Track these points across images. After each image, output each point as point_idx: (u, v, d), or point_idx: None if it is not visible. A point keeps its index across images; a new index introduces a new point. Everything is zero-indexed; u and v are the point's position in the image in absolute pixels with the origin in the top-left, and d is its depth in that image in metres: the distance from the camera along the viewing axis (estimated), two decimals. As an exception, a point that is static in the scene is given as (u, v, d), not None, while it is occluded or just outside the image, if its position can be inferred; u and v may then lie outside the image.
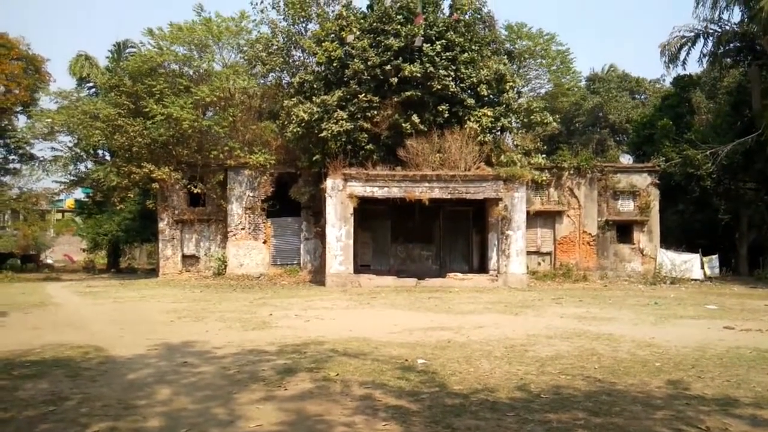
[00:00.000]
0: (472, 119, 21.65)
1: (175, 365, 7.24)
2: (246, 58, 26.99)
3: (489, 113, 21.90)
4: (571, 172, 24.97)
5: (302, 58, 25.80)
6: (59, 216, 59.66)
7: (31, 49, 32.99)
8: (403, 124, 21.49)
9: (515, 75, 25.21)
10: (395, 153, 21.94)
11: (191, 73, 27.24)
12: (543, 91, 36.22)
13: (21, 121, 33.63)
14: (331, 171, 21.60)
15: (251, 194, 25.76)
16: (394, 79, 21.30)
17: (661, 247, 25.19)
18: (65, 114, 26.97)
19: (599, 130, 38.96)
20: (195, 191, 25.51)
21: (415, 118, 21.35)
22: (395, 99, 21.62)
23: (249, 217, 25.86)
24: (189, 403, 5.56)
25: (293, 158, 24.69)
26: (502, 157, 22.41)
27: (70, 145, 32.35)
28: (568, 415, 5.29)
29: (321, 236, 23.97)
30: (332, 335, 9.61)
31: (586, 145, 34.76)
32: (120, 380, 6.47)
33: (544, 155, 25.01)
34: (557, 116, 25.79)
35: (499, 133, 23.66)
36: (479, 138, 21.58)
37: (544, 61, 34.33)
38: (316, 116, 21.83)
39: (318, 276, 23.38)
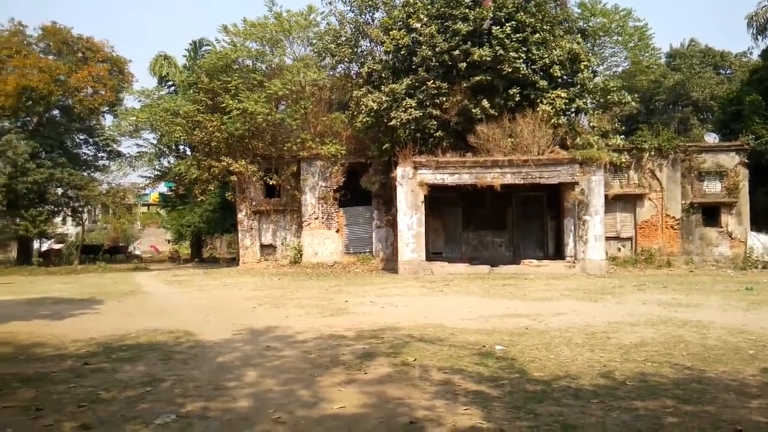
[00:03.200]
0: (544, 102, 21.09)
1: (260, 349, 7.54)
2: (315, 50, 27.40)
3: (563, 95, 21.27)
4: (652, 153, 23.89)
5: (370, 47, 25.92)
6: (145, 209, 63.01)
7: (115, 51, 34.90)
8: (473, 110, 21.22)
9: (590, 54, 24.29)
10: (465, 139, 21.73)
11: (264, 67, 27.97)
12: (620, 69, 34.72)
13: (108, 120, 35.70)
14: (400, 159, 21.65)
15: (323, 184, 26.25)
16: (463, 65, 21.03)
17: (751, 230, 23.73)
18: (148, 112, 28.33)
19: (681, 108, 36.95)
20: (270, 183, 26.29)
21: (485, 102, 21.02)
22: (464, 84, 21.36)
23: (322, 206, 26.37)
24: (274, 385, 5.78)
25: (363, 148, 24.95)
26: (578, 139, 21.73)
27: (154, 141, 33.99)
28: (656, 402, 5.12)
29: (392, 224, 24.15)
30: (407, 321, 9.70)
31: (668, 124, 33.04)
32: (209, 363, 6.81)
33: (622, 136, 24.02)
34: (636, 95, 24.66)
35: (573, 114, 22.94)
36: (553, 121, 21.01)
37: (620, 38, 32.89)
38: (385, 105, 21.92)
39: (390, 264, 23.58)
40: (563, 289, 15.05)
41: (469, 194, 23.20)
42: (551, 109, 20.92)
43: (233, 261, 31.16)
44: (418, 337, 8.21)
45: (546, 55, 21.38)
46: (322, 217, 26.32)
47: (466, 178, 21.31)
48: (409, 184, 21.49)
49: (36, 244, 37.99)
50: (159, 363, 6.80)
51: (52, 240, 41.93)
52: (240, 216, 27.30)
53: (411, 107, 21.45)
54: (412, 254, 21.38)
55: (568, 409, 4.94)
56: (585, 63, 22.25)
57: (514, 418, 4.72)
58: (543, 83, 21.33)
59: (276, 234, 27.52)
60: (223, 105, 24.79)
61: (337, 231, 26.24)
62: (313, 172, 26.20)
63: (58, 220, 37.91)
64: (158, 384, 5.83)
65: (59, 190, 33.46)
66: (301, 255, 26.03)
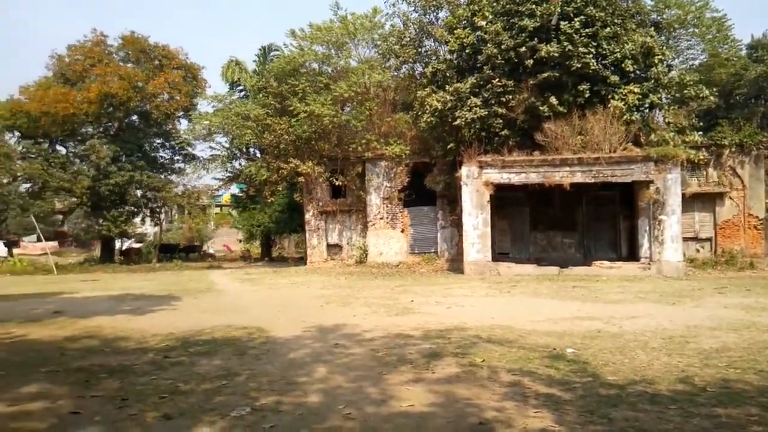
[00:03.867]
0: (616, 97, 20.38)
1: (329, 346, 7.68)
2: (380, 52, 27.61)
3: (636, 90, 20.48)
4: (733, 149, 22.68)
5: (434, 47, 25.86)
6: (217, 210, 65.42)
7: (189, 58, 36.39)
8: (540, 107, 20.78)
9: (664, 47, 23.25)
10: (532, 138, 21.29)
11: (330, 70, 28.42)
12: (697, 62, 32.97)
13: (183, 125, 37.26)
14: (465, 159, 21.48)
15: (388, 184, 26.40)
16: (530, 61, 20.63)
17: None
18: (220, 116, 29.38)
19: (764, 102, 34.76)
20: (337, 183, 26.72)
21: (553, 100, 20.54)
22: (531, 82, 20.95)
23: (387, 206, 26.53)
24: (344, 382, 5.88)
25: (427, 148, 24.92)
26: (652, 136, 20.87)
27: (226, 144, 35.21)
28: (739, 410, 4.87)
29: (457, 224, 23.99)
30: (474, 322, 9.63)
31: (750, 119, 31.13)
32: (281, 359, 7.01)
33: (700, 132, 22.86)
34: (714, 89, 23.38)
35: (647, 110, 22.03)
36: (625, 117, 20.27)
37: (697, 31, 31.22)
38: (450, 104, 21.81)
39: (455, 264, 23.44)
40: (638, 291, 14.50)
41: (537, 193, 22.75)
42: (623, 105, 20.19)
43: (301, 260, 31.83)
44: (485, 338, 8.13)
45: (617, 50, 20.66)
46: (387, 217, 26.47)
47: (533, 177, 20.89)
48: (474, 184, 21.28)
49: (117, 244, 40.09)
50: (233, 358, 7.05)
51: (132, 239, 44.24)
52: (307, 216, 27.87)
53: (476, 106, 21.25)
54: (477, 254, 21.16)
55: (644, 415, 4.77)
56: (659, 57, 21.33)
57: (587, 422, 4.61)
58: (614, 78, 20.61)
59: (342, 234, 27.91)
60: (291, 108, 25.40)
61: (402, 231, 26.33)
62: (378, 172, 26.39)
63: (137, 220, 39.93)
64: (233, 378, 6.05)
65: (138, 192, 35.23)
66: (367, 255, 26.28)
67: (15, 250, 45.62)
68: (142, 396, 5.38)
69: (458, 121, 21.50)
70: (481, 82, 21.54)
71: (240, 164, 36.27)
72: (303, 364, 6.68)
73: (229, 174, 37.16)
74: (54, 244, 47.24)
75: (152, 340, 8.31)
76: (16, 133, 33.65)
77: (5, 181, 32.77)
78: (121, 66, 34.14)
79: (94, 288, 18.40)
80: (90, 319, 10.54)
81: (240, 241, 51.49)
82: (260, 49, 37.81)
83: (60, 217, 44.78)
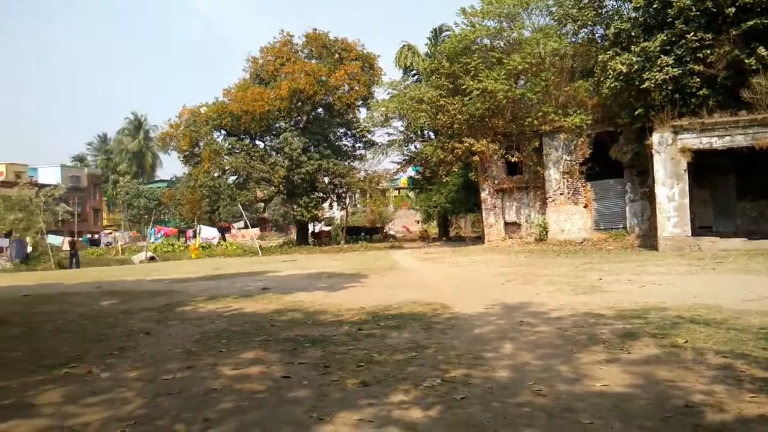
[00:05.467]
0: None
1: (514, 324, 7.62)
2: (555, 18, 26.31)
3: None
4: None
5: (616, 6, 23.98)
6: (396, 192, 67.88)
7: (365, 49, 37.98)
8: (746, 60, 18.29)
9: None
10: (736, 96, 18.86)
11: (502, 44, 27.81)
12: None
13: (362, 113, 39.14)
14: (656, 124, 19.70)
15: (568, 158, 25.24)
16: (731, 9, 18.21)
17: None
18: (396, 102, 30.34)
19: None
20: (512, 160, 26.21)
21: (762, 50, 17.94)
22: (733, 32, 18.50)
23: (567, 181, 25.41)
24: (532, 359, 5.80)
25: (611, 116, 23.30)
26: None
27: (401, 128, 36.31)
28: None
29: (649, 197, 22.19)
30: (674, 301, 8.86)
31: None
32: (467, 334, 7.12)
33: None
34: None
35: None
36: None
37: None
38: (636, 66, 20.12)
39: (647, 240, 21.74)
40: None
41: (743, 159, 20.13)
42: None
43: (478, 239, 31.85)
44: (688, 318, 7.45)
45: None
46: (568, 193, 25.35)
47: (739, 140, 18.54)
48: (668, 152, 19.46)
49: (310, 227, 43.59)
50: (421, 332, 7.32)
51: (322, 223, 47.80)
52: (483, 195, 27.75)
53: (667, 65, 19.34)
54: (673, 229, 19.40)
55: None
56: None
57: (821, 413, 4.03)
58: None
59: (520, 211, 27.36)
60: (464, 87, 25.35)
61: (585, 206, 25.04)
62: (557, 146, 25.34)
63: (326, 205, 43.03)
64: (422, 350, 6.28)
65: (326, 179, 37.90)
66: (547, 232, 25.48)
67: (227, 236, 51.79)
68: (341, 364, 5.83)
69: (647, 84, 19.77)
70: (673, 39, 19.53)
71: (415, 147, 37.20)
72: (489, 340, 6.71)
73: (405, 157, 38.32)
74: (257, 230, 52.70)
75: (347, 314, 8.93)
76: (223, 132, 38.02)
77: (216, 174, 37.28)
78: (306, 62, 36.79)
79: (292, 267, 20.26)
80: (292, 295, 11.63)
81: (418, 221, 52.97)
82: (431, 31, 38.25)
83: (261, 204, 49.84)
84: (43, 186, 48.43)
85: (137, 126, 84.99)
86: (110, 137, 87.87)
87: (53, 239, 38.06)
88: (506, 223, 27.63)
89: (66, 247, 36.23)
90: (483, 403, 4.43)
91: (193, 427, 4.12)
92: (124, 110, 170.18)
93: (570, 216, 25.28)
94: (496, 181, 27.58)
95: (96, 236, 58.71)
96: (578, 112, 24.17)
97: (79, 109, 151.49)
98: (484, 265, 17.40)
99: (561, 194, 25.46)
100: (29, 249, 34.59)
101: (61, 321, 9.32)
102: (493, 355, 6.03)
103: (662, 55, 19.63)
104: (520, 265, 16.79)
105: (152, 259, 33.75)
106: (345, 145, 40.41)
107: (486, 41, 27.91)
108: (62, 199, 45.06)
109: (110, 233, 61.28)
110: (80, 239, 42.15)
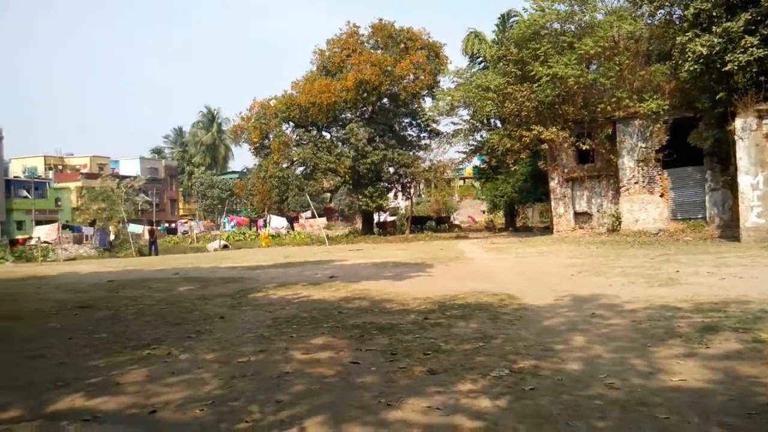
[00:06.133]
0: None
1: (585, 316, 7.44)
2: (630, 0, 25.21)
3: None
4: None
5: (697, -16, 22.66)
6: (461, 182, 67.34)
7: (431, 37, 37.72)
8: (843, 38, 16.92)
9: None
10: (834, 75, 17.50)
11: (573, 28, 26.93)
12: None
13: (427, 103, 38.98)
14: (739, 109, 18.59)
15: (643, 145, 24.24)
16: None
17: None
18: (462, 90, 29.99)
19: None
20: (583, 148, 25.43)
21: None
22: (828, 8, 17.17)
23: (642, 169, 24.45)
24: (604, 352, 5.65)
25: (690, 100, 22.16)
26: None
27: (467, 117, 35.88)
28: None
29: (730, 185, 21.01)
30: (758, 295, 8.39)
31: None
32: (535, 325, 7.01)
33: None
34: None
35: None
36: None
37: None
38: (718, 48, 19.02)
39: (728, 231, 20.63)
40: None
41: (840, 144, 18.70)
42: None
43: (546, 230, 31.16)
44: (774, 313, 7.04)
45: None
46: (643, 181, 24.38)
47: (833, 123, 17.22)
48: (752, 138, 18.35)
49: (375, 217, 43.95)
50: (488, 322, 7.26)
51: (387, 213, 48.08)
52: (552, 184, 27.09)
53: (752, 46, 18.19)
54: (757, 219, 18.33)
55: None
56: None
57: None
58: None
59: (591, 201, 26.55)
60: (532, 73, 24.74)
61: (661, 195, 24.00)
62: (631, 132, 24.38)
63: (391, 195, 43.25)
64: (490, 341, 6.24)
65: (391, 169, 38.07)
66: (620, 222, 24.63)
67: (295, 225, 53.01)
68: (408, 352, 5.88)
69: (729, 66, 18.66)
70: (758, 18, 18.35)
71: (481, 136, 36.73)
72: (558, 332, 6.59)
73: (471, 146, 37.89)
74: (324, 219, 53.65)
75: (413, 303, 8.98)
76: (291, 124, 38.83)
77: (285, 165, 38.16)
78: (372, 53, 36.95)
79: (358, 256, 20.51)
80: (359, 283, 11.80)
81: (483, 212, 52.39)
82: (499, 18, 37.57)
83: (328, 195, 50.67)
84: (124, 177, 51.11)
85: (211, 119, 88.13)
86: (185, 130, 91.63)
87: (134, 228, 40.13)
88: (576, 213, 26.87)
89: (146, 235, 38.15)
90: (553, 394, 4.36)
91: (266, 408, 4.27)
92: (199, 104, 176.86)
93: (645, 205, 24.29)
94: (566, 170, 26.83)
95: (173, 225, 61.57)
96: (654, 97, 23.11)
97: (157, 103, 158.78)
98: (553, 255, 17.02)
99: (635, 183, 24.49)
100: (112, 237, 36.63)
101: (142, 305, 9.85)
102: (564, 347, 5.91)
103: (746, 36, 18.45)
104: (592, 256, 16.32)
105: (225, 247, 35.06)
106: (410, 135, 40.39)
107: (556, 25, 27.08)
108: (141, 189, 47.41)
109: (186, 222, 64.09)
110: (158, 228, 44.28)
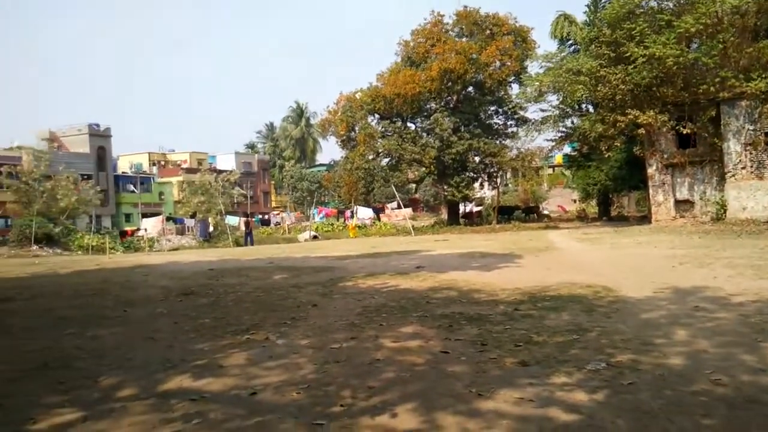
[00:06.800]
0: None
1: (688, 309, 7.05)
2: (737, -30, 23.37)
3: None
4: None
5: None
6: (550, 171, 65.38)
7: (518, 22, 36.78)
8: None
9: None
10: None
11: (671, 5, 25.44)
12: None
13: (514, 89, 38.08)
14: None
15: (751, 127, 22.55)
16: None
17: None
18: (551, 75, 29.06)
19: None
20: (684, 132, 24.01)
21: None
22: None
23: (750, 153, 22.76)
24: (709, 347, 5.35)
25: (808, 77, 20.30)
26: None
27: (556, 103, 34.77)
28: None
29: None
30: None
31: None
32: (633, 318, 6.73)
33: None
34: None
35: None
36: None
37: None
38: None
39: None
40: None
41: None
42: None
43: (643, 219, 29.70)
44: None
45: None
46: (751, 166, 22.67)
47: None
48: None
49: (461, 207, 43.63)
50: (582, 314, 7.05)
51: (473, 203, 47.55)
52: (650, 171, 25.76)
53: None
54: None
55: None
56: None
57: None
58: None
59: (693, 188, 25.02)
60: (627, 54, 23.58)
61: (773, 181, 22.21)
62: (737, 114, 22.71)
63: (476, 185, 42.71)
64: (584, 333, 6.06)
65: (477, 159, 37.60)
66: (725, 211, 23.06)
67: (381, 216, 53.64)
68: (498, 343, 5.82)
69: None
70: None
71: (572, 122, 35.49)
72: (659, 326, 6.29)
73: (560, 133, 36.69)
74: (409, 210, 53.91)
75: (502, 294, 8.86)
76: (376, 116, 39.22)
77: (370, 157, 38.63)
78: (457, 41, 36.56)
79: (444, 247, 20.46)
80: (446, 274, 11.78)
81: (575, 201, 50.70)
82: (590, -1, 35.98)
83: (413, 185, 50.81)
84: (221, 172, 53.69)
85: (299, 114, 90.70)
86: (276, 125, 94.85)
87: (230, 219, 42.14)
88: (677, 201, 25.39)
89: (242, 226, 39.94)
90: (654, 389, 4.18)
91: (358, 394, 4.38)
92: (289, 99, 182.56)
93: (753, 192, 22.55)
94: (665, 156, 25.38)
95: (266, 217, 64.06)
96: (764, 75, 21.35)
97: (250, 100, 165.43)
98: (652, 246, 16.20)
99: (743, 168, 22.79)
100: (211, 228, 38.66)
101: (240, 292, 10.34)
102: (664, 341, 5.64)
103: None
104: (694, 246, 15.39)
105: (315, 237, 36.08)
106: (496, 123, 39.66)
107: (653, 3, 25.63)
108: (237, 183, 49.58)
109: (278, 214, 66.51)
110: (253, 219, 46.21)
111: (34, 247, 32.22)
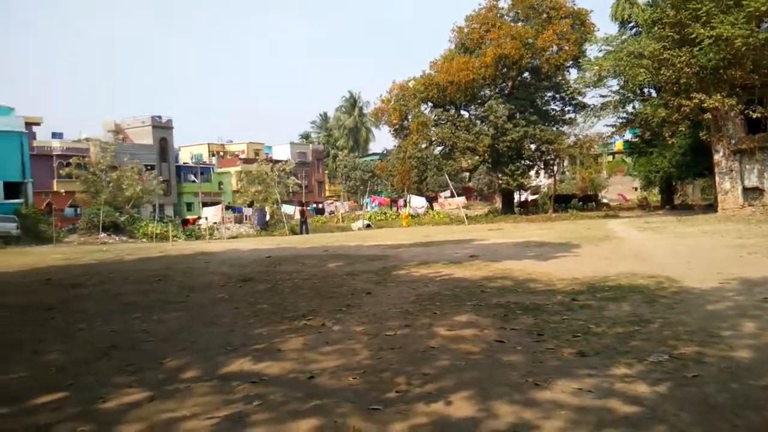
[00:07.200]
0: None
1: (756, 300, 6.75)
2: (815, -58, 21.91)
3: None
4: None
5: None
6: (609, 158, 63.41)
7: (575, 4, 35.71)
8: None
9: None
10: None
11: (741, -18, 24.04)
12: None
13: (572, 74, 37.05)
14: None
15: (830, 110, 21.16)
16: None
17: None
18: (611, 59, 28.13)
19: None
20: (754, 116, 22.86)
21: None
22: None
23: (829, 138, 21.37)
24: (780, 341, 5.11)
25: None
26: None
27: (617, 88, 33.62)
28: None
29: None
30: None
31: None
32: (698, 310, 6.49)
33: None
34: None
35: None
36: None
37: None
38: None
39: None
40: None
41: None
42: None
43: (709, 207, 28.48)
44: None
45: None
46: (830, 151, 21.32)
47: None
48: None
49: (516, 196, 42.96)
50: (643, 305, 6.85)
51: (529, 191, 46.75)
52: (717, 157, 24.66)
53: None
54: None
55: None
56: None
57: None
58: None
59: (762, 175, 23.86)
60: (693, 36, 22.55)
61: None
62: (815, 96, 21.36)
63: (532, 173, 41.92)
64: (646, 324, 5.89)
65: (532, 146, 36.87)
66: (800, 198, 21.79)
67: (434, 205, 53.42)
68: (556, 333, 5.73)
69: None
70: None
71: (633, 107, 34.28)
72: (725, 317, 6.04)
73: (621, 119, 35.50)
74: (462, 198, 53.46)
75: (559, 284, 8.70)
76: (429, 104, 38.98)
77: (423, 145, 38.49)
78: (512, 26, 35.86)
79: (498, 236, 20.23)
80: (500, 263, 11.65)
81: (636, 188, 49.08)
82: (653, -22, 34.46)
83: (466, 174, 50.33)
84: (277, 162, 54.70)
85: (352, 103, 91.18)
86: (330, 115, 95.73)
87: (286, 208, 42.95)
88: (745, 189, 24.21)
89: (297, 215, 40.65)
90: (720, 383, 4.04)
91: (413, 380, 4.41)
92: (342, 89, 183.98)
93: (832, 179, 21.28)
94: (732, 141, 24.22)
95: (320, 206, 64.98)
96: None
97: (305, 91, 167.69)
98: (718, 235, 15.52)
99: (819, 153, 21.52)
100: (268, 217, 39.51)
101: (297, 279, 10.56)
102: (731, 333, 5.42)
103: None
104: (764, 236, 14.66)
105: (368, 226, 36.36)
106: (553, 109, 38.72)
107: (720, -19, 24.36)
108: (292, 172, 50.41)
109: (332, 203, 67.29)
110: (308, 208, 46.97)
111: (102, 235, 33.85)
